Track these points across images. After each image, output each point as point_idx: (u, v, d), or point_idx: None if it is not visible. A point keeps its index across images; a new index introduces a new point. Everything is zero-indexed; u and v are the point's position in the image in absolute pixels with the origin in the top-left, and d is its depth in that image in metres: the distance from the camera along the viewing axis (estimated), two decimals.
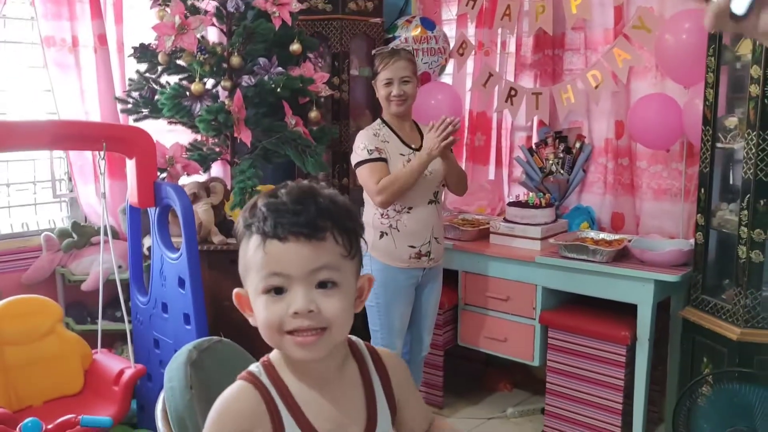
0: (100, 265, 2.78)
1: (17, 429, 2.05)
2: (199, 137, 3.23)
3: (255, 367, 1.04)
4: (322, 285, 0.95)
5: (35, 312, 2.62)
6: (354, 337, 1.10)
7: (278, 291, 0.95)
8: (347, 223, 0.98)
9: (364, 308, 2.71)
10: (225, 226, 3.04)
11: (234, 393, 1.01)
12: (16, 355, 2.54)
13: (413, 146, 2.73)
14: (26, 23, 3.17)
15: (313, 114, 3.14)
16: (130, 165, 2.65)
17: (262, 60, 2.98)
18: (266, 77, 2.97)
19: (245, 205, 1.01)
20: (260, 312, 0.97)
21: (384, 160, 2.68)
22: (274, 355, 1.04)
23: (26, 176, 3.25)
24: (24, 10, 3.16)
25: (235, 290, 1.03)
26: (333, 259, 0.96)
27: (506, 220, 3.19)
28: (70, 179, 3.31)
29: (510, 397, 3.49)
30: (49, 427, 2.10)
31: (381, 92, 2.74)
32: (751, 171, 2.34)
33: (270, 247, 0.94)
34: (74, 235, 3.13)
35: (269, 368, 1.02)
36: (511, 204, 3.23)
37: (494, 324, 3.16)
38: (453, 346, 3.36)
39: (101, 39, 3.15)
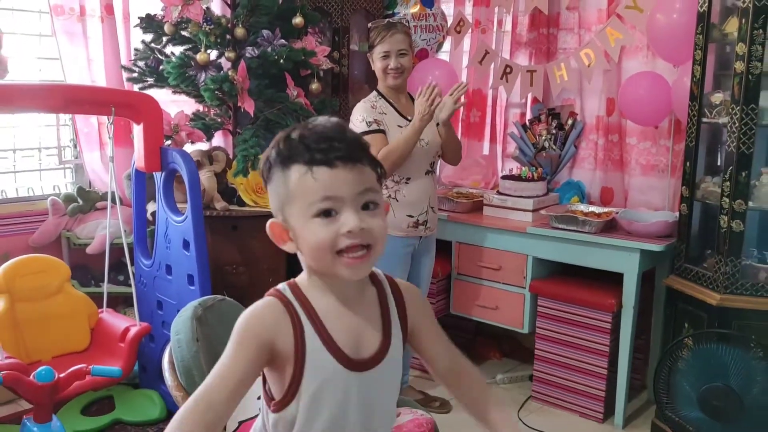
0: (107, 228, 2.87)
1: (31, 376, 2.15)
2: (202, 107, 3.32)
3: (281, 285, 1.12)
4: (366, 206, 1.03)
5: (45, 270, 2.72)
6: (375, 268, 1.18)
7: (327, 213, 1.02)
8: (372, 154, 1.08)
9: None
10: (227, 193, 3.14)
11: (260, 304, 1.09)
12: (26, 311, 2.64)
13: (409, 117, 2.81)
14: None
15: (314, 86, 3.23)
16: (138, 130, 2.74)
17: (265, 32, 3.07)
18: (269, 49, 3.06)
19: (274, 141, 1.07)
20: (312, 235, 1.02)
21: (382, 131, 2.75)
22: (299, 277, 1.13)
23: (32, 143, 3.33)
24: None
25: (270, 221, 1.08)
26: (373, 183, 1.05)
27: (499, 193, 3.30)
28: (75, 146, 3.39)
29: (499, 365, 3.62)
30: (62, 375, 2.19)
31: (378, 65, 2.82)
32: (734, 144, 2.45)
33: (319, 173, 1.00)
34: (79, 200, 3.22)
35: (294, 286, 1.11)
36: (504, 177, 3.34)
37: (486, 293, 3.27)
38: (445, 314, 3.47)
39: (108, 8, 3.23)
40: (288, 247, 1.09)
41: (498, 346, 3.71)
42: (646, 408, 3.10)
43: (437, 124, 2.87)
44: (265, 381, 1.13)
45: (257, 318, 1.07)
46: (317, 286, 1.10)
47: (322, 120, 1.06)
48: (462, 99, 2.78)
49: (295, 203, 1.03)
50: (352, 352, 1.08)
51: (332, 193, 1.01)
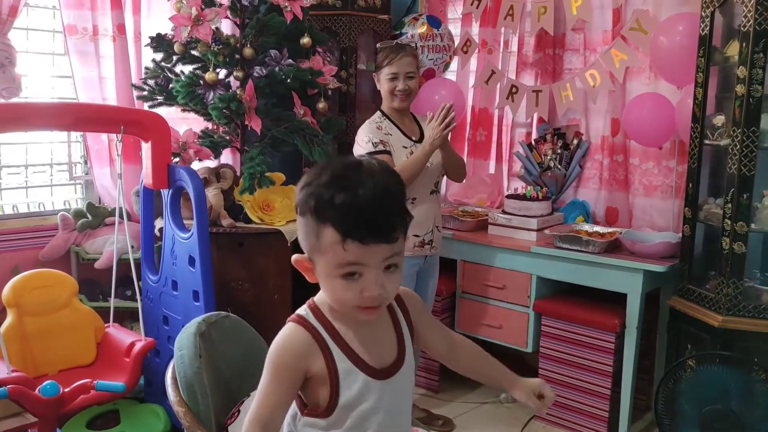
0: (114, 244, 2.91)
1: (37, 390, 2.18)
2: (210, 125, 3.37)
3: (303, 311, 1.21)
4: (388, 268, 1.12)
5: (53, 285, 2.76)
6: None
7: (351, 275, 1.10)
8: (407, 216, 1.14)
9: None
10: (234, 210, 3.17)
11: (287, 333, 1.19)
12: (34, 325, 2.68)
13: (414, 138, 2.85)
14: (48, 12, 3.31)
15: (321, 105, 3.27)
16: (146, 148, 2.78)
17: (273, 52, 3.11)
18: (277, 68, 3.10)
19: (313, 183, 1.10)
20: (334, 292, 1.13)
21: (388, 152, 2.77)
22: (318, 299, 1.21)
23: (44, 159, 3.39)
24: (47, 0, 3.30)
25: (296, 257, 1.17)
26: (399, 248, 1.12)
27: (504, 212, 3.32)
28: (86, 162, 3.45)
29: None
30: (66, 390, 2.22)
31: (385, 86, 2.84)
32: (736, 167, 2.46)
33: (350, 246, 1.07)
34: (89, 215, 3.26)
35: (315, 311, 1.20)
36: (509, 196, 3.36)
37: (490, 311, 3.28)
38: None
39: (120, 28, 3.29)
40: (310, 278, 1.18)
41: (502, 364, 3.70)
42: (650, 429, 3.09)
43: None
44: None
45: (288, 350, 1.17)
46: (334, 308, 1.19)
47: (367, 186, 1.06)
48: (452, 124, 2.70)
49: (323, 258, 1.11)
50: (377, 362, 1.19)
51: (359, 261, 1.08)
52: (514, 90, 3.62)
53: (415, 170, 2.72)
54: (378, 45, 3.01)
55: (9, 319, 2.64)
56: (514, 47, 3.74)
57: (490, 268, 3.26)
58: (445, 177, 3.01)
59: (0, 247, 3.07)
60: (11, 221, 3.19)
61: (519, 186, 3.67)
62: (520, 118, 3.75)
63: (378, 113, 2.89)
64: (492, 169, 3.86)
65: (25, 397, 2.16)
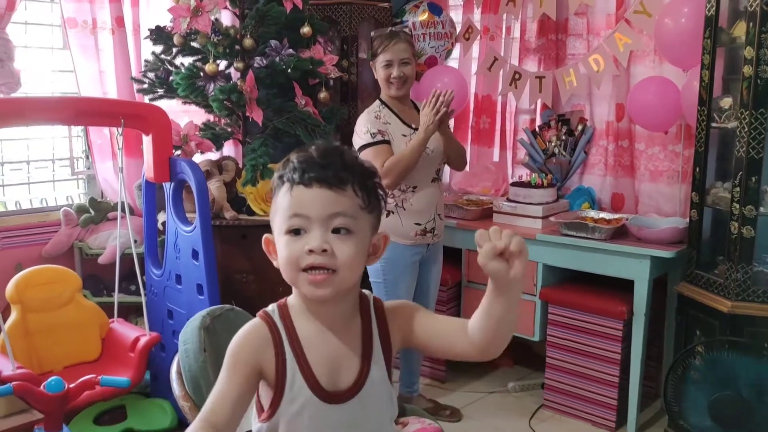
0: (117, 239, 2.89)
1: (42, 386, 2.17)
2: (211, 117, 3.35)
3: (271, 307, 1.16)
4: (337, 230, 1.06)
5: (56, 281, 2.75)
6: (367, 292, 1.20)
7: (297, 232, 1.06)
8: (368, 180, 1.10)
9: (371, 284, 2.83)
10: (237, 202, 3.15)
11: (248, 328, 1.14)
12: (38, 321, 2.67)
13: (414, 126, 2.80)
14: (46, 6, 3.28)
15: (323, 95, 3.25)
16: (147, 141, 2.76)
17: (273, 42, 3.08)
18: (277, 59, 3.07)
19: (281, 162, 1.12)
20: (281, 249, 1.08)
21: (387, 142, 2.74)
22: (291, 298, 1.16)
23: (45, 154, 3.37)
24: None
25: (265, 235, 1.14)
26: (350, 209, 1.07)
27: (509, 200, 3.29)
28: (87, 157, 3.43)
29: (511, 372, 3.60)
30: (71, 385, 2.21)
31: (380, 73, 2.81)
32: (744, 149, 2.42)
33: (296, 192, 1.06)
34: (91, 210, 3.25)
35: (283, 308, 1.15)
36: (513, 184, 3.33)
37: None
38: None
39: (119, 21, 3.26)
40: (276, 263, 1.13)
41: (509, 353, 3.69)
42: (660, 417, 3.07)
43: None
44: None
45: (244, 343, 1.12)
46: (304, 310, 1.14)
47: (320, 144, 1.10)
48: (444, 108, 2.66)
49: (276, 219, 1.09)
50: (329, 383, 1.11)
51: (301, 211, 1.05)
52: (517, 76, 3.58)
53: (413, 159, 2.69)
54: (372, 33, 2.98)
55: (13, 316, 2.64)
56: (517, 33, 3.69)
57: None
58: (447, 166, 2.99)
59: (3, 243, 3.05)
60: (14, 217, 3.18)
61: (523, 173, 3.64)
62: (523, 105, 3.72)
63: (377, 102, 2.86)
64: (496, 157, 3.83)
65: (30, 393, 2.15)
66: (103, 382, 2.27)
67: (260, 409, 1.15)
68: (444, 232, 2.97)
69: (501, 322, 1.08)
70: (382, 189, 1.14)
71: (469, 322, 1.14)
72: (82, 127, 3.40)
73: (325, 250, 1.04)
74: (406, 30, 3.22)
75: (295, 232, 1.06)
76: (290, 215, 1.06)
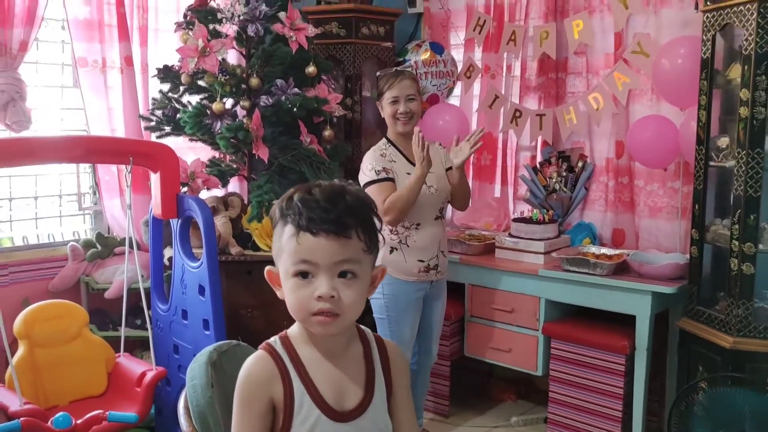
0: (124, 274, 2.92)
1: (49, 422, 2.18)
2: (218, 154, 3.40)
3: (272, 339, 1.22)
4: (343, 274, 1.12)
5: (63, 316, 2.78)
6: (363, 327, 1.28)
7: (305, 275, 1.11)
8: (370, 221, 1.15)
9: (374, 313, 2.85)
10: (242, 238, 3.19)
11: (253, 360, 1.19)
12: (45, 356, 2.69)
13: None
14: (57, 46, 3.36)
15: (327, 132, 3.31)
16: (155, 179, 2.81)
17: (279, 81, 3.15)
18: (283, 97, 3.14)
19: (282, 196, 1.17)
20: (289, 292, 1.14)
21: (391, 179, 2.79)
22: (291, 330, 1.22)
23: (53, 190, 3.42)
24: (55, 34, 3.34)
25: (267, 267, 1.20)
26: (355, 254, 1.12)
27: (511, 235, 3.33)
28: (95, 193, 3.47)
29: (514, 407, 3.60)
30: (79, 421, 2.23)
31: (387, 111, 2.87)
32: (742, 188, 2.47)
33: (302, 239, 1.10)
34: (98, 245, 3.28)
35: (285, 339, 1.21)
36: (516, 220, 3.38)
37: (499, 335, 3.28)
38: (459, 357, 3.48)
39: (128, 60, 3.33)
40: (279, 294, 1.18)
41: (512, 387, 3.70)
42: None
43: (447, 169, 2.91)
44: None
45: (252, 379, 1.17)
46: (305, 338, 1.19)
47: (324, 186, 1.14)
48: (479, 143, 2.82)
49: (282, 258, 1.14)
50: (336, 403, 1.16)
51: (309, 258, 1.10)
52: (517, 114, 3.65)
53: (411, 195, 2.72)
54: (378, 73, 3.05)
55: (20, 351, 2.65)
56: (517, 71, 3.77)
57: (498, 292, 3.26)
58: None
59: (10, 278, 3.08)
60: (21, 252, 3.20)
61: (525, 209, 3.68)
62: (524, 142, 3.78)
63: (383, 140, 2.92)
64: (497, 193, 3.88)
65: (38, 429, 2.17)
66: (110, 417, 2.29)
67: None
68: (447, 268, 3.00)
69: None
70: (379, 220, 1.19)
71: None
72: (90, 164, 3.45)
73: (332, 296, 1.10)
74: (411, 69, 3.29)
75: (302, 275, 1.11)
76: (298, 260, 1.11)
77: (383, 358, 1.24)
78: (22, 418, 2.16)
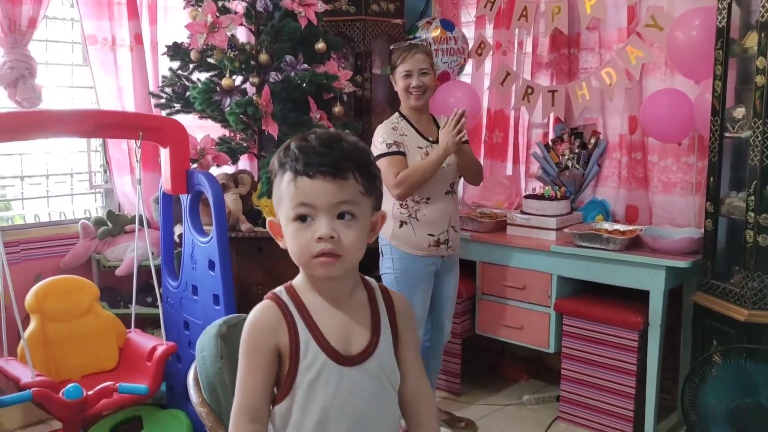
0: (135, 251, 2.93)
1: (60, 393, 2.19)
2: (227, 133, 3.39)
3: (278, 288, 1.22)
4: (342, 216, 1.12)
5: (74, 291, 2.79)
6: (367, 276, 1.28)
7: (304, 219, 1.12)
8: (367, 166, 1.16)
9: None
10: (252, 215, 3.18)
11: (259, 309, 1.20)
12: (57, 331, 2.70)
13: (431, 138, 2.84)
14: (67, 23, 3.35)
15: (337, 109, 3.29)
16: (165, 154, 2.80)
17: (288, 57, 3.13)
18: (292, 74, 3.12)
19: (280, 147, 1.18)
20: (290, 238, 1.14)
21: (402, 153, 2.78)
22: (296, 279, 1.23)
23: (64, 168, 3.42)
24: (65, 11, 3.34)
25: (269, 219, 1.21)
26: (353, 195, 1.13)
27: (523, 212, 3.30)
28: (105, 171, 3.48)
29: (526, 386, 3.59)
30: (90, 392, 2.23)
31: (400, 84, 2.85)
32: (758, 158, 2.43)
33: (300, 183, 1.11)
34: (109, 223, 3.29)
35: (290, 288, 1.21)
36: (527, 197, 3.35)
37: (511, 312, 3.26)
38: (471, 335, 3.46)
39: (137, 38, 3.33)
40: (282, 244, 1.18)
41: (524, 366, 3.68)
42: (677, 429, 3.05)
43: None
44: None
45: (257, 327, 1.18)
46: (309, 286, 1.19)
47: (321, 133, 1.15)
48: (463, 129, 2.71)
49: (282, 206, 1.15)
50: (342, 347, 1.17)
51: (307, 200, 1.11)
52: (529, 91, 3.61)
53: (427, 173, 2.71)
54: (391, 47, 3.03)
55: (32, 325, 2.66)
56: (529, 48, 3.73)
57: (510, 269, 3.24)
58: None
59: (23, 255, 3.09)
60: (33, 230, 3.22)
61: (537, 186, 3.66)
62: (536, 119, 3.74)
63: (396, 114, 2.90)
64: (509, 171, 3.85)
65: (49, 399, 2.18)
66: (121, 389, 2.29)
67: (275, 397, 1.19)
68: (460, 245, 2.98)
69: None
70: (377, 170, 1.19)
71: (416, 404, 1.26)
72: (100, 142, 3.46)
73: (332, 237, 1.10)
74: (424, 43, 3.26)
75: (302, 218, 1.12)
76: (297, 204, 1.12)
77: (388, 305, 1.24)
78: (33, 389, 2.17)
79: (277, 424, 1.18)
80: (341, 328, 1.18)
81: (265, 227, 3.13)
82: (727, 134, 2.64)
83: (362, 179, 1.13)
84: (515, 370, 3.66)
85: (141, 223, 2.83)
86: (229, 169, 3.39)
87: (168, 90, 3.22)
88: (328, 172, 1.10)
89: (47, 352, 2.65)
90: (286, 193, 1.13)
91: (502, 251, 3.26)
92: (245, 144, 3.33)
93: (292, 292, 1.20)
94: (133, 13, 3.31)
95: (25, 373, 2.39)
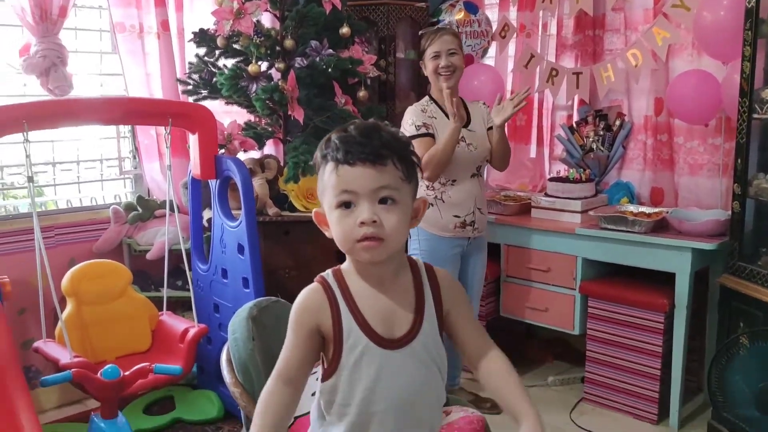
0: (165, 235, 2.99)
1: (98, 373, 2.26)
2: (253, 118, 3.43)
3: (326, 272, 1.27)
4: (383, 201, 1.16)
5: (108, 274, 2.86)
6: (414, 257, 1.31)
7: (347, 205, 1.16)
8: (406, 153, 1.20)
9: None
10: (278, 199, 3.22)
11: (305, 291, 1.26)
12: (92, 313, 2.78)
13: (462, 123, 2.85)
14: (95, 12, 3.40)
15: (362, 93, 3.31)
16: (193, 140, 2.85)
17: (313, 42, 3.15)
18: (317, 59, 3.14)
19: (321, 140, 1.22)
20: (334, 225, 1.18)
21: (431, 135, 2.80)
22: (343, 265, 1.27)
23: (94, 155, 3.49)
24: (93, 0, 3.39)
25: (315, 210, 1.25)
26: (393, 181, 1.16)
27: (547, 195, 3.31)
28: (135, 157, 3.54)
29: (551, 367, 3.61)
30: (126, 373, 2.30)
31: (429, 66, 2.86)
32: None
33: (341, 171, 1.15)
34: (139, 208, 3.35)
35: (336, 272, 1.26)
36: (552, 179, 3.35)
37: (536, 295, 3.28)
38: (495, 317, 3.49)
39: (164, 25, 3.36)
40: (328, 233, 1.23)
41: (548, 348, 3.70)
42: (702, 410, 3.05)
43: (489, 128, 2.90)
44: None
45: (303, 307, 1.23)
46: (354, 271, 1.24)
47: (358, 123, 1.20)
48: (523, 102, 2.81)
49: (326, 195, 1.19)
50: (384, 330, 1.21)
51: (349, 187, 1.15)
52: (554, 73, 3.60)
53: (447, 149, 2.72)
54: (420, 32, 3.04)
55: (69, 308, 2.74)
56: (553, 30, 3.71)
57: (534, 251, 3.25)
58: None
59: (56, 240, 3.17)
60: (66, 215, 3.29)
61: (561, 169, 3.65)
62: (560, 101, 3.73)
63: (426, 98, 2.93)
64: (533, 153, 3.85)
65: (88, 379, 2.24)
66: (156, 369, 2.35)
67: (322, 374, 1.24)
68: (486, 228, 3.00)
69: None
70: (416, 157, 1.23)
71: (492, 370, 1.27)
72: (130, 128, 3.51)
73: (374, 221, 1.14)
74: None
75: (345, 205, 1.16)
76: (339, 191, 1.16)
77: (433, 285, 1.27)
78: (73, 369, 2.23)
79: (324, 400, 1.24)
80: (384, 312, 1.21)
81: (291, 211, 3.18)
82: (755, 115, 2.62)
83: (401, 165, 1.17)
84: (540, 351, 3.69)
85: (171, 208, 2.88)
86: (255, 153, 3.43)
87: (195, 76, 3.26)
88: (368, 158, 1.14)
89: (83, 335, 2.73)
90: (329, 182, 1.17)
91: (527, 234, 3.27)
92: (271, 129, 3.37)
93: (338, 276, 1.24)
94: (161, 0, 3.34)
95: (63, 355, 2.47)
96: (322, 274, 1.27)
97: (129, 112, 2.72)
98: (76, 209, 3.37)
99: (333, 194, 1.16)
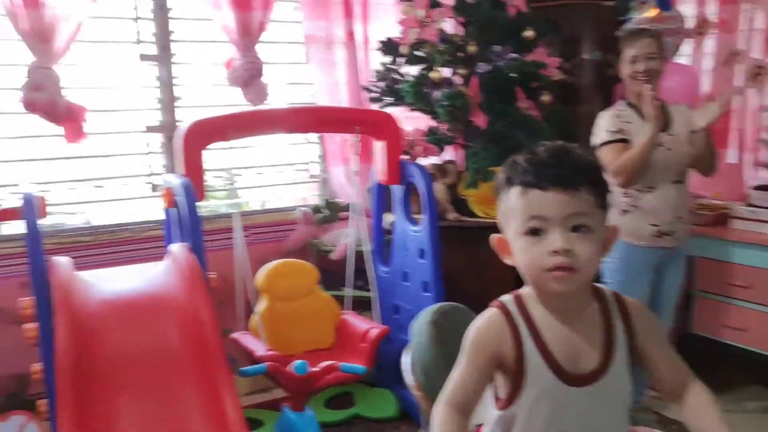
0: (349, 237, 3.11)
1: (289, 367, 2.39)
2: (434, 123, 3.47)
3: (505, 297, 1.21)
4: (576, 229, 1.09)
5: (298, 273, 3.03)
6: (600, 285, 1.22)
7: (536, 232, 1.10)
8: (599, 178, 1.12)
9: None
10: (457, 204, 3.24)
11: (485, 317, 1.20)
12: (283, 309, 2.95)
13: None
14: (284, 25, 3.60)
15: (546, 98, 3.23)
16: (380, 147, 2.94)
17: (496, 47, 3.13)
18: (501, 63, 3.11)
19: (505, 162, 1.16)
20: (521, 252, 1.12)
21: (625, 140, 2.64)
22: (524, 289, 1.20)
23: (284, 160, 3.70)
24: (285, 14, 3.59)
25: (494, 236, 1.19)
26: (586, 207, 1.09)
27: (750, 205, 3.04)
28: (322, 162, 3.72)
29: (750, 392, 3.31)
30: (315, 369, 2.42)
31: (626, 70, 2.71)
32: None
33: (531, 195, 1.10)
34: (326, 210, 3.51)
35: (518, 299, 1.19)
36: (757, 188, 3.08)
37: (733, 312, 3.03)
38: (683, 333, 3.26)
39: (350, 35, 3.50)
40: (508, 261, 1.17)
41: (744, 369, 3.39)
42: None
43: (692, 131, 2.71)
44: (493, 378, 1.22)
45: (483, 333, 1.18)
46: (537, 299, 1.16)
47: (548, 145, 1.13)
48: (729, 104, 2.61)
49: (511, 220, 1.13)
50: (570, 366, 1.13)
51: (539, 213, 1.08)
52: (758, 71, 3.29)
53: (641, 155, 2.57)
54: (617, 33, 2.89)
55: (263, 303, 2.94)
56: (760, 24, 3.39)
57: (733, 266, 3.01)
58: None
59: (251, 239, 3.39)
60: (258, 216, 3.53)
61: (767, 176, 3.33)
62: (766, 102, 3.41)
63: (622, 102, 2.78)
64: (733, 159, 3.54)
65: (280, 373, 2.38)
66: (343, 368, 2.45)
67: (495, 396, 1.20)
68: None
69: None
70: (608, 183, 1.15)
71: (685, 407, 1.19)
72: (316, 135, 3.69)
73: (568, 250, 1.07)
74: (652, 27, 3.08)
75: (534, 232, 1.10)
76: (528, 217, 1.10)
77: (624, 317, 1.18)
78: (267, 363, 2.38)
79: (502, 428, 1.19)
80: (569, 346, 1.14)
81: (471, 216, 3.18)
82: None
83: (594, 190, 1.10)
84: (734, 372, 3.39)
85: (357, 211, 2.99)
86: (434, 159, 3.47)
87: (381, 84, 3.35)
88: (561, 182, 1.08)
89: (275, 328, 2.90)
90: (516, 206, 1.11)
91: (724, 246, 3.03)
92: (451, 134, 3.39)
93: (520, 303, 1.18)
94: (348, 12, 3.48)
95: (258, 347, 2.65)
96: (501, 299, 1.21)
97: (321, 119, 2.87)
98: (268, 211, 3.60)
99: (521, 220, 1.10)
